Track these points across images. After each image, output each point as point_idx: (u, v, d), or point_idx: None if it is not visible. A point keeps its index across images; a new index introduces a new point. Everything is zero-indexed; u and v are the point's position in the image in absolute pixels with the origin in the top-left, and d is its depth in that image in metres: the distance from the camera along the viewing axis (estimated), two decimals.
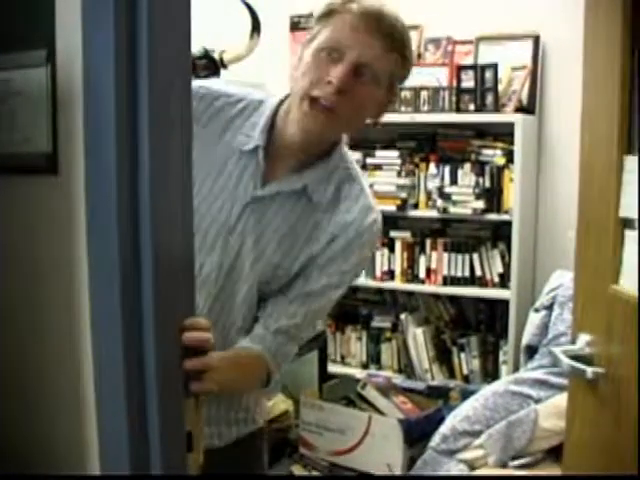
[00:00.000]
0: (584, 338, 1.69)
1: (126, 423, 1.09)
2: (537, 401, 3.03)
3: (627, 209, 1.56)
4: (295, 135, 1.59)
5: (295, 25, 4.37)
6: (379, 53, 1.53)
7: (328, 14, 1.57)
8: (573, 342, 1.74)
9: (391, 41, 1.54)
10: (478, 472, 2.98)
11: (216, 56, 4.11)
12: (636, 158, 1.55)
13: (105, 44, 1.00)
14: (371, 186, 2.90)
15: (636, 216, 1.54)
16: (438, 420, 3.27)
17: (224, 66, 4.12)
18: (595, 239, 1.68)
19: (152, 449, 1.11)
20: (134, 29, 1.02)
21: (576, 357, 1.67)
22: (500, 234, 3.83)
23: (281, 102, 1.65)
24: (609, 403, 1.60)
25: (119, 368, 1.08)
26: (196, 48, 4.13)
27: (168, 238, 1.10)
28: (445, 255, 3.88)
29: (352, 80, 1.52)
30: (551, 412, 2.91)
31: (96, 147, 1.04)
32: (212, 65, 4.13)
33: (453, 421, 3.13)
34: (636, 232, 1.55)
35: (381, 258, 3.99)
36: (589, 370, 1.61)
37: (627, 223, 1.58)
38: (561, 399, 2.53)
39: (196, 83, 1.58)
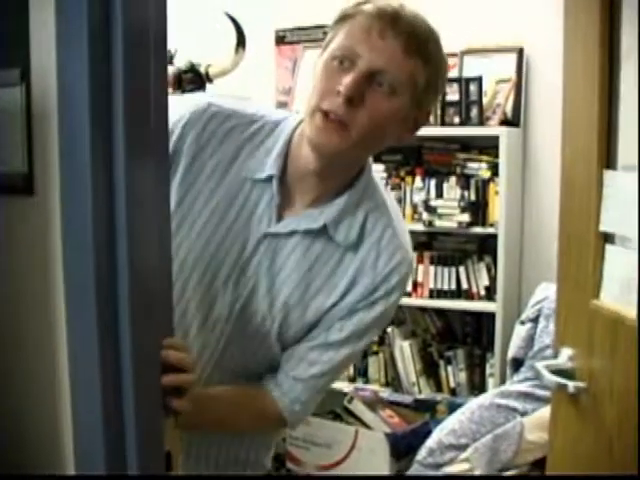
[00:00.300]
0: (566, 352, 1.69)
1: (103, 443, 1.08)
2: (523, 414, 3.03)
3: (607, 224, 1.57)
4: (309, 158, 1.42)
5: (280, 39, 4.38)
6: (395, 58, 1.35)
7: (341, 19, 1.42)
8: (555, 356, 1.74)
9: (410, 44, 1.35)
10: None
11: (202, 70, 4.12)
12: (616, 173, 1.56)
13: (79, 63, 1.00)
14: None
15: (616, 231, 1.55)
16: (425, 434, 3.27)
17: (210, 80, 4.13)
18: (576, 253, 1.68)
19: (130, 469, 1.10)
20: (109, 48, 1.01)
21: (559, 371, 1.67)
22: (486, 247, 3.84)
23: (298, 125, 1.47)
24: (590, 417, 1.60)
25: (96, 386, 1.07)
26: (182, 62, 4.14)
27: (145, 257, 1.09)
28: (431, 268, 3.88)
29: (364, 89, 1.35)
30: (537, 425, 2.91)
31: (71, 167, 1.04)
32: (198, 79, 4.13)
33: (439, 435, 3.13)
34: (616, 247, 1.55)
35: None
36: (571, 384, 1.61)
37: (607, 238, 1.58)
38: (547, 412, 2.51)
39: (205, 99, 1.51)
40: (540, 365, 1.68)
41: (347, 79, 1.34)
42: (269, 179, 1.45)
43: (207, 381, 1.49)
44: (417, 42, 1.36)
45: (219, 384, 1.51)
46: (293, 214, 1.47)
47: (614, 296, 1.54)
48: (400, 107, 1.39)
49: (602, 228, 1.58)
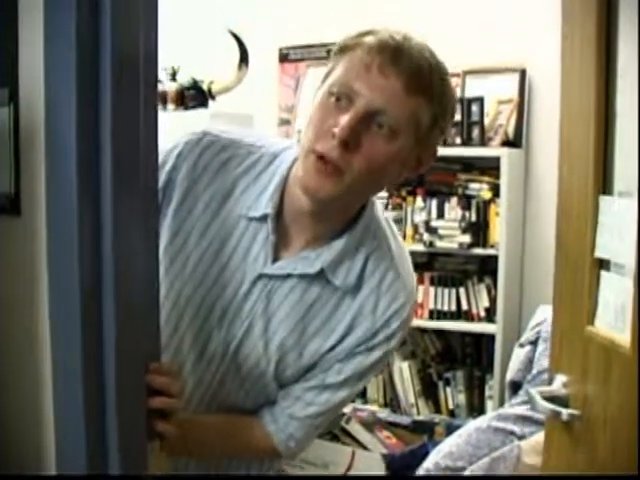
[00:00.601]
0: (560, 378, 1.67)
1: (86, 466, 1.07)
2: (520, 437, 3.01)
3: (602, 250, 1.55)
4: (303, 200, 1.34)
5: (284, 57, 4.39)
6: (396, 97, 1.25)
7: (341, 51, 1.33)
8: (550, 382, 1.73)
9: (412, 82, 1.26)
10: None
11: (205, 87, 4.14)
12: (612, 199, 1.55)
13: (67, 86, 1.00)
14: None
15: (611, 257, 1.53)
16: (422, 455, 3.25)
17: (212, 97, 4.14)
18: (572, 278, 1.67)
19: None
20: (97, 72, 1.01)
21: (553, 397, 1.65)
22: (486, 268, 3.83)
23: (296, 160, 1.38)
24: (583, 445, 1.58)
25: (79, 409, 1.06)
26: (185, 79, 4.15)
27: (131, 280, 1.08)
28: (431, 289, 3.87)
29: (362, 131, 1.26)
30: (534, 448, 2.88)
31: (57, 189, 1.03)
32: (200, 96, 4.15)
33: (436, 457, 3.11)
34: (611, 273, 1.54)
35: None
36: (564, 412, 1.59)
37: (603, 264, 1.57)
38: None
39: (199, 128, 1.44)
40: (534, 391, 1.66)
41: (343, 120, 1.25)
42: (264, 218, 1.39)
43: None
44: (420, 80, 1.27)
45: None
46: (290, 254, 1.41)
47: (608, 323, 1.53)
48: (401, 149, 1.30)
49: (597, 254, 1.56)
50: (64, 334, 1.07)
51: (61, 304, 1.06)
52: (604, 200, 1.55)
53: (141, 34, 1.04)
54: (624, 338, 1.44)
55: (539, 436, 2.88)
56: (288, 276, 1.40)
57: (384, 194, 3.87)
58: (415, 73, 1.26)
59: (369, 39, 1.29)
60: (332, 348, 1.43)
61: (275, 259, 1.40)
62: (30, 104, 1.08)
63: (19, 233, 1.13)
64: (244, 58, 4.00)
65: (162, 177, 1.38)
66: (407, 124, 1.28)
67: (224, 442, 1.49)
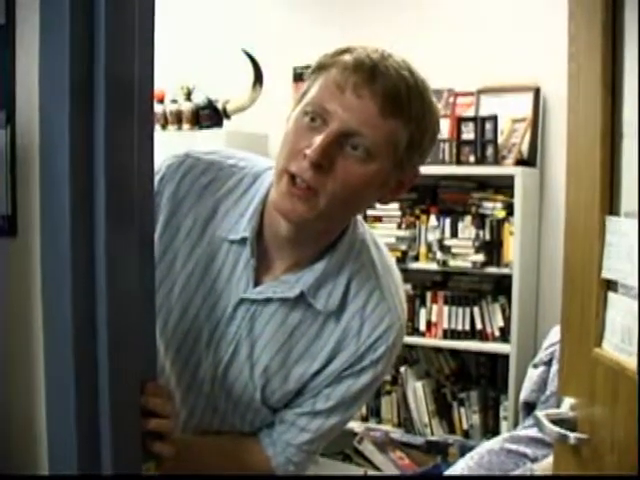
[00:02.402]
0: (568, 401, 1.65)
1: None
2: (533, 460, 2.97)
3: (609, 271, 1.54)
4: (281, 223, 1.31)
5: (298, 76, 4.40)
6: (371, 119, 1.21)
7: (317, 69, 1.29)
8: (558, 405, 1.70)
9: (387, 104, 1.22)
10: None
11: (219, 106, 4.16)
12: (619, 219, 1.53)
13: (61, 112, 1.00)
14: None
15: (618, 278, 1.51)
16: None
17: (227, 116, 4.17)
18: (579, 300, 1.65)
19: None
20: (92, 99, 1.01)
21: (561, 421, 1.63)
22: (501, 287, 3.80)
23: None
24: (592, 469, 1.56)
25: (72, 430, 1.05)
26: (200, 98, 4.18)
27: (126, 303, 1.08)
28: (445, 308, 3.84)
29: (336, 153, 1.22)
30: (547, 471, 2.84)
31: (52, 209, 1.03)
32: (215, 115, 4.18)
33: None
34: (618, 295, 1.52)
35: None
36: (572, 436, 1.57)
37: (610, 285, 1.55)
38: None
39: (181, 151, 1.43)
40: (541, 414, 1.64)
41: (316, 141, 1.21)
42: (244, 241, 1.36)
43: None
44: (396, 101, 1.23)
45: None
46: (271, 278, 1.38)
47: (616, 345, 1.51)
48: (377, 172, 1.26)
49: (604, 275, 1.55)
50: (58, 354, 1.06)
51: (55, 324, 1.06)
52: (611, 220, 1.54)
53: (136, 58, 1.03)
54: (631, 361, 1.42)
55: (552, 459, 2.85)
56: (269, 300, 1.38)
57: (397, 213, 3.86)
58: (391, 94, 1.22)
59: (345, 58, 1.25)
60: (317, 373, 1.41)
61: (257, 283, 1.38)
62: (27, 126, 1.08)
63: (14, 253, 1.13)
64: (258, 78, 4.03)
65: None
66: (383, 147, 1.25)
67: (222, 462, 1.48)
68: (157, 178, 1.39)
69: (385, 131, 1.23)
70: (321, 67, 1.28)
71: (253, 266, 1.36)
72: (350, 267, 1.38)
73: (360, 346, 1.38)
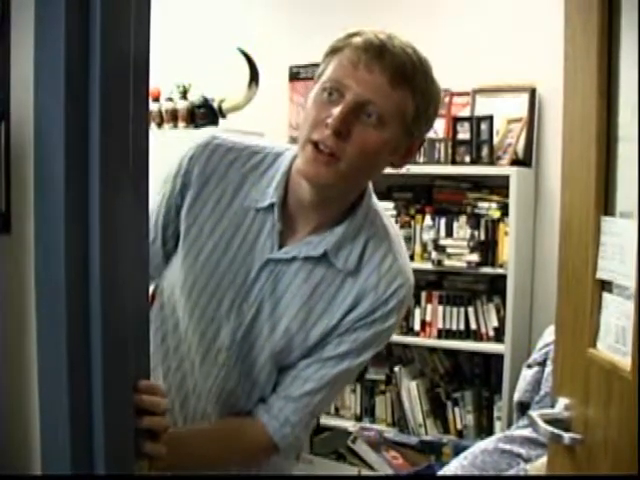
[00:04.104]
0: (562, 401, 1.65)
1: None
2: (527, 460, 2.97)
3: (604, 271, 1.54)
4: (305, 189, 1.46)
5: (294, 75, 4.40)
6: (382, 90, 1.37)
7: (331, 52, 1.45)
8: (552, 405, 1.70)
9: (396, 76, 1.37)
10: None
11: (215, 105, 4.15)
12: (614, 219, 1.53)
13: (56, 104, 0.99)
14: None
15: (613, 278, 1.51)
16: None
17: (223, 115, 4.15)
18: (574, 300, 1.65)
19: None
20: (86, 88, 1.01)
21: (555, 421, 1.63)
22: (496, 287, 3.81)
23: (296, 156, 1.49)
24: (585, 469, 1.56)
25: (65, 428, 1.05)
26: (196, 97, 4.17)
27: (119, 299, 1.07)
28: (440, 308, 3.85)
29: (353, 121, 1.37)
30: (541, 471, 2.85)
31: (46, 206, 1.03)
32: (211, 114, 4.16)
33: None
34: (613, 295, 1.52)
35: None
36: (566, 436, 1.57)
37: (605, 286, 1.55)
38: None
39: (208, 133, 1.55)
40: (535, 414, 1.64)
41: (335, 111, 1.36)
42: (271, 207, 1.49)
43: (206, 414, 1.54)
44: (404, 75, 1.38)
45: (218, 417, 1.55)
46: (295, 241, 1.51)
47: (610, 346, 1.51)
48: (390, 137, 1.42)
49: (599, 275, 1.55)
50: (51, 352, 1.06)
51: (49, 322, 1.05)
52: (606, 221, 1.54)
53: (132, 54, 1.03)
54: (625, 361, 1.42)
55: (546, 459, 2.85)
56: (293, 259, 1.49)
57: (392, 212, 3.86)
58: (398, 68, 1.38)
59: (356, 39, 1.40)
60: (335, 326, 1.50)
61: (281, 246, 1.50)
62: (21, 122, 1.08)
63: (8, 250, 1.12)
64: (254, 77, 4.02)
65: (178, 181, 1.52)
66: (394, 114, 1.39)
67: (217, 447, 1.51)
68: (187, 158, 1.52)
69: (394, 100, 1.38)
70: (334, 49, 1.44)
71: (279, 230, 1.49)
72: (366, 232, 1.52)
73: (377, 300, 1.50)
